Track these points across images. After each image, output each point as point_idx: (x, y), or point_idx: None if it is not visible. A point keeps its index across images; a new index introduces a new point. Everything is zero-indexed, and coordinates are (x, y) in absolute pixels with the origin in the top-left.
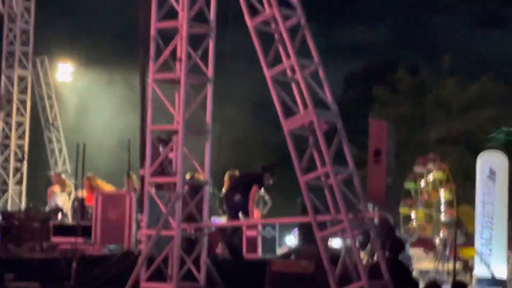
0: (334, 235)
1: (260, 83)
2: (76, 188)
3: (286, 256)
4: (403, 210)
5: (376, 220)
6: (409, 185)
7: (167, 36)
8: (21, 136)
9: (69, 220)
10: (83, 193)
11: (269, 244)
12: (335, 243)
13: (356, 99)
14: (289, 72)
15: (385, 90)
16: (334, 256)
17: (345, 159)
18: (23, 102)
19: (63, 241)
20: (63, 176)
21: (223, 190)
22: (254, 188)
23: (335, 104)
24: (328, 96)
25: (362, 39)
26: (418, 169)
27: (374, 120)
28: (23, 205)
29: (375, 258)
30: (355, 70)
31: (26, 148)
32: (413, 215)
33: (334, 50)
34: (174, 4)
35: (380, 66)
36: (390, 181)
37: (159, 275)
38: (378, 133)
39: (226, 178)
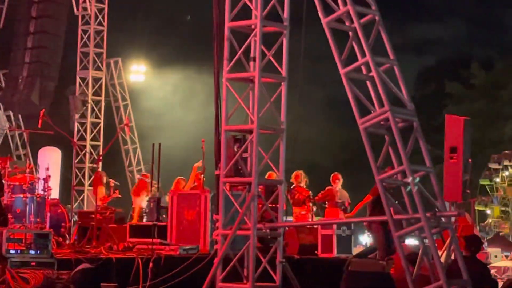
0: (411, 234)
1: (335, 81)
2: (151, 188)
3: (362, 255)
4: (478, 207)
5: (453, 219)
6: (484, 182)
7: (241, 35)
8: (95, 137)
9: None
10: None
11: (345, 243)
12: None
13: (430, 95)
14: (364, 70)
15: (458, 86)
16: (412, 255)
17: (420, 157)
18: (97, 104)
19: (140, 242)
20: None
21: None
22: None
23: (411, 102)
24: (404, 93)
25: (435, 35)
26: (493, 165)
27: (450, 117)
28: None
29: (452, 257)
30: (428, 66)
31: (101, 149)
32: (489, 212)
33: (407, 46)
34: (248, 3)
35: (454, 62)
36: (467, 179)
37: (235, 276)
38: (454, 130)
39: (292, 177)
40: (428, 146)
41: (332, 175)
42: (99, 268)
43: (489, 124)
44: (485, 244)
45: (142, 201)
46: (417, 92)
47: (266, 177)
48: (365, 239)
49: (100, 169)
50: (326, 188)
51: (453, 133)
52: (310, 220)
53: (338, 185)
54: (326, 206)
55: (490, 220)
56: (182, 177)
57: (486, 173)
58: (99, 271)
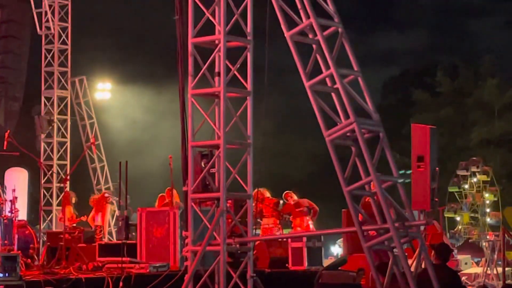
0: (381, 244)
1: (300, 93)
2: (119, 206)
3: (333, 267)
4: (448, 214)
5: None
6: (453, 189)
7: (205, 51)
8: (62, 156)
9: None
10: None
11: (315, 255)
12: None
13: (396, 104)
14: (329, 82)
15: (424, 94)
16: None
17: (387, 166)
18: (63, 123)
19: (109, 261)
20: (106, 194)
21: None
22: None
23: (376, 113)
24: (369, 104)
25: (399, 45)
26: (461, 172)
27: (416, 126)
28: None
29: (423, 265)
30: (393, 75)
31: (68, 168)
32: (458, 219)
33: (371, 56)
34: (211, 18)
35: (419, 70)
36: (434, 187)
37: None
38: (421, 138)
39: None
40: (396, 155)
41: (284, 194)
42: None
43: (456, 131)
44: (455, 251)
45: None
46: (383, 101)
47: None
48: (336, 250)
49: (68, 189)
50: (284, 206)
51: (420, 142)
52: (278, 232)
53: (291, 200)
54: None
55: (460, 227)
56: (163, 194)
57: (454, 180)
58: None
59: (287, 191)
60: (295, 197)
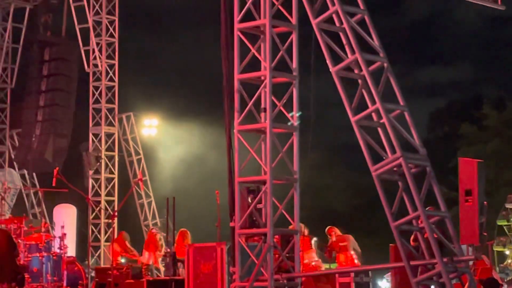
0: (429, 279)
1: (345, 128)
2: (166, 243)
3: None
4: (497, 248)
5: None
6: (501, 222)
7: (251, 86)
8: (110, 193)
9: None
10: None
11: None
12: None
13: (442, 137)
14: (375, 116)
15: (471, 127)
16: None
17: (435, 199)
18: (111, 159)
19: None
20: (153, 230)
21: None
22: None
23: (423, 147)
24: (415, 138)
25: (444, 78)
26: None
27: (464, 159)
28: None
29: None
30: (439, 108)
31: (116, 204)
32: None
33: (417, 89)
34: (257, 54)
35: (465, 103)
36: (483, 221)
37: None
38: (469, 172)
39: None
40: (443, 190)
41: (327, 229)
42: None
43: (504, 164)
44: (505, 286)
45: (150, 258)
46: (429, 135)
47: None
48: (384, 284)
49: (116, 225)
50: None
51: (467, 176)
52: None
53: (333, 236)
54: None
55: (509, 261)
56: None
57: (503, 214)
58: None
59: (330, 226)
60: (338, 232)
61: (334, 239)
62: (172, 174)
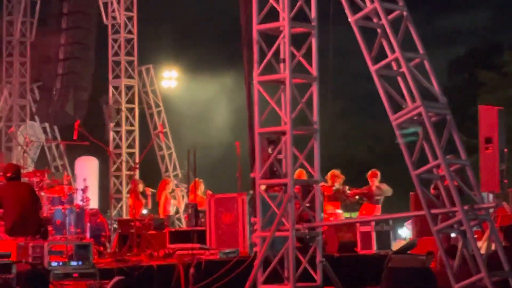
0: (450, 228)
1: (365, 77)
2: (188, 194)
3: (402, 250)
4: None
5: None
6: None
7: (270, 37)
8: (131, 145)
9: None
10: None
11: (384, 238)
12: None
13: (462, 85)
14: (394, 65)
15: (491, 74)
16: (451, 248)
17: (456, 148)
18: (131, 111)
19: (180, 247)
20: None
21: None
22: None
23: (443, 95)
24: (435, 87)
25: (464, 25)
26: None
27: (484, 107)
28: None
29: (493, 248)
30: (459, 56)
31: (137, 156)
32: None
33: (436, 37)
34: (275, 4)
35: (485, 51)
36: (503, 168)
37: (275, 277)
38: (488, 120)
39: (328, 177)
40: (463, 137)
41: (369, 173)
42: (140, 276)
43: None
44: None
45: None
46: (449, 82)
47: (295, 176)
48: (405, 232)
49: (136, 177)
50: (364, 188)
51: (488, 124)
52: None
53: (375, 182)
54: (362, 202)
55: None
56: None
57: None
58: (140, 279)
59: (373, 170)
60: (377, 180)
61: (377, 184)
62: (192, 126)
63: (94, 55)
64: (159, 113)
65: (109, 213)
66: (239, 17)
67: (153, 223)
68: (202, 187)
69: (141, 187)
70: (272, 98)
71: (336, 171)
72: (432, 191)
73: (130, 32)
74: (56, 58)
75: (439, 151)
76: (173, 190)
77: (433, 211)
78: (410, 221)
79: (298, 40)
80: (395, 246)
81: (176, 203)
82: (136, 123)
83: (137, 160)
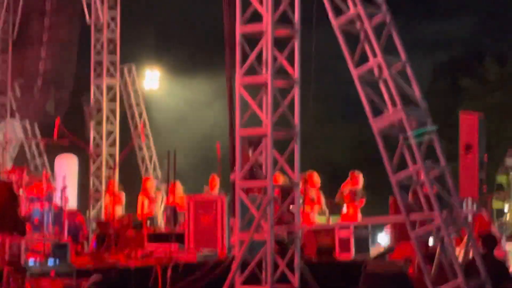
0: (428, 233)
1: (346, 81)
2: (167, 195)
3: (380, 256)
4: (496, 204)
5: (470, 217)
6: (501, 178)
7: (252, 39)
8: (111, 144)
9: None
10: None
11: (362, 243)
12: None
13: (444, 91)
14: (376, 70)
15: (472, 81)
16: (429, 254)
17: (435, 154)
18: (112, 111)
19: (158, 248)
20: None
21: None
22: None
23: (424, 101)
24: (416, 93)
25: (446, 32)
26: (510, 161)
27: (465, 114)
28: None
29: (470, 255)
30: (441, 62)
31: (117, 156)
32: (506, 208)
33: (418, 43)
34: (258, 7)
35: (466, 58)
36: (482, 176)
37: (253, 279)
38: (469, 127)
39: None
40: (444, 143)
41: (352, 174)
42: (116, 276)
43: (505, 119)
44: (504, 241)
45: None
46: (430, 88)
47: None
48: (383, 237)
49: (116, 177)
50: (349, 190)
51: (468, 131)
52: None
53: (359, 185)
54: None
55: (507, 217)
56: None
57: (502, 169)
58: (117, 279)
59: (354, 171)
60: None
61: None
62: (173, 127)
63: (76, 53)
64: (140, 113)
65: (88, 213)
66: (222, 19)
67: (132, 224)
68: (179, 188)
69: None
70: (254, 100)
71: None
72: (410, 196)
73: (113, 31)
74: (38, 55)
75: (419, 156)
76: (158, 188)
77: (412, 216)
78: (388, 226)
79: (281, 43)
80: (374, 250)
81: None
82: (117, 123)
83: (117, 160)
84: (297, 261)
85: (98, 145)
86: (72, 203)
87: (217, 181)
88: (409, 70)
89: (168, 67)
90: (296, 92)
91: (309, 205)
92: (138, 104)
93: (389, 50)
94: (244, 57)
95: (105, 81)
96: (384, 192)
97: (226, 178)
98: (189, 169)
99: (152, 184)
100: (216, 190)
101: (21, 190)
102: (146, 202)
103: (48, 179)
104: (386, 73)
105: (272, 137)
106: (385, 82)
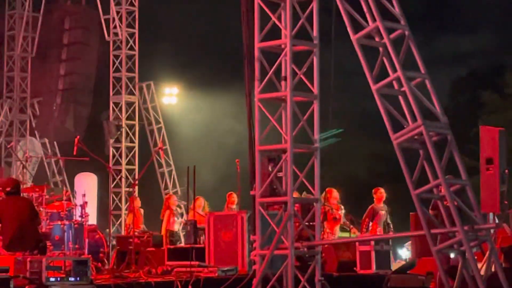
0: (450, 248)
1: (366, 96)
2: (187, 211)
3: (401, 270)
4: None
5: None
6: None
7: (271, 55)
8: (131, 161)
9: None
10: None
11: (383, 258)
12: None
13: (464, 105)
14: (395, 84)
15: (493, 95)
16: (451, 269)
17: (456, 168)
18: (131, 128)
19: (178, 265)
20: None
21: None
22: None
23: (444, 115)
24: (436, 106)
25: (466, 46)
26: None
27: (485, 128)
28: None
29: (493, 269)
30: (461, 76)
31: (136, 173)
32: None
33: (438, 58)
34: (277, 22)
35: (486, 72)
36: (504, 190)
37: None
38: (490, 141)
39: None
40: (464, 158)
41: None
42: None
43: None
44: None
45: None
46: (450, 103)
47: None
48: (404, 253)
49: (136, 194)
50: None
51: (489, 144)
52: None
53: (381, 202)
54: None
55: None
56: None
57: None
58: None
59: (378, 188)
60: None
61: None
62: (193, 143)
63: (95, 71)
64: (159, 129)
65: (108, 230)
66: (240, 35)
67: (152, 240)
68: (202, 205)
69: (138, 204)
70: (273, 116)
71: (332, 189)
72: (430, 211)
73: (131, 48)
74: (57, 73)
75: (440, 171)
76: (179, 206)
77: (433, 231)
78: (410, 241)
79: (299, 58)
80: (395, 266)
81: (181, 220)
82: (136, 140)
83: (136, 177)
84: (318, 276)
85: (118, 162)
86: (92, 220)
87: (235, 197)
88: (428, 84)
89: (186, 84)
90: (316, 107)
91: (329, 221)
92: (157, 121)
93: (408, 64)
94: (263, 72)
95: (124, 98)
96: (406, 207)
97: (246, 194)
98: (210, 185)
99: (174, 201)
100: (234, 206)
101: (41, 208)
102: (171, 219)
103: (68, 196)
104: (405, 87)
105: (291, 152)
106: (405, 96)
